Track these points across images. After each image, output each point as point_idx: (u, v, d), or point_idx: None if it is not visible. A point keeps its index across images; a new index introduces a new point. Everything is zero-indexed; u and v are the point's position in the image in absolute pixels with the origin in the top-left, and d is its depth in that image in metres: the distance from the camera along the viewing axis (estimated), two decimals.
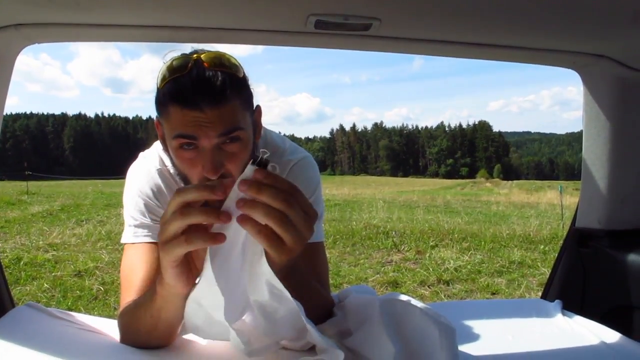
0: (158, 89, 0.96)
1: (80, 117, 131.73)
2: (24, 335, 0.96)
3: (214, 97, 0.91)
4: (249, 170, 0.66)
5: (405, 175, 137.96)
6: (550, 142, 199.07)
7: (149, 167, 1.16)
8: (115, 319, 1.05)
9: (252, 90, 1.06)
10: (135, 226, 1.11)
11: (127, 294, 1.03)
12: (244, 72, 1.01)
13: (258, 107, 1.09)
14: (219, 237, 0.68)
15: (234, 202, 0.67)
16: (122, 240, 1.13)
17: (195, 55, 0.95)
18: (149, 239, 1.10)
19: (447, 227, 7.33)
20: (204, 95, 0.91)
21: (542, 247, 6.17)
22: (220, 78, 0.93)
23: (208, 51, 0.97)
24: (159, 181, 1.14)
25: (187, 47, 0.99)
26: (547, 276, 1.52)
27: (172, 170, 1.12)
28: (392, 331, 0.83)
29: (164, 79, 0.95)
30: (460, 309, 1.28)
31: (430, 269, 5.01)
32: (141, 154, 1.21)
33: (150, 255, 1.08)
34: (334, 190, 20.07)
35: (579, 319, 1.22)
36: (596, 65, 1.18)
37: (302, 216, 0.68)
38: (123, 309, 0.98)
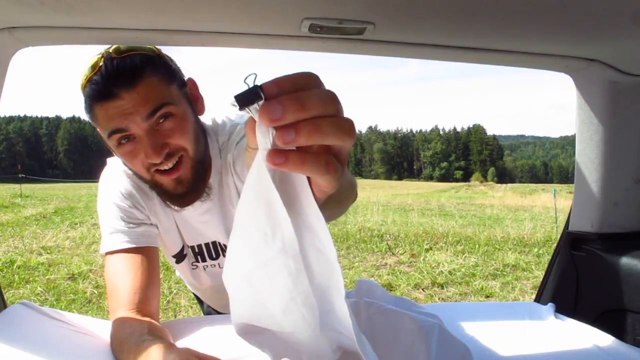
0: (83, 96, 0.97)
1: (74, 120, 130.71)
2: (17, 335, 0.95)
3: (127, 79, 0.92)
4: (251, 112, 0.41)
5: (400, 178, 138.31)
6: (544, 146, 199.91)
7: (115, 171, 1.15)
8: (109, 320, 1.05)
9: (176, 65, 1.06)
10: (112, 233, 1.10)
11: (117, 303, 1.02)
12: (159, 52, 1.01)
13: (190, 79, 1.09)
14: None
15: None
16: (102, 251, 1.11)
17: (104, 51, 0.95)
18: (127, 245, 1.08)
19: (442, 230, 7.35)
20: (117, 81, 0.92)
21: (536, 250, 6.20)
22: (129, 61, 0.93)
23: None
24: (127, 182, 1.13)
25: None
26: (541, 279, 1.53)
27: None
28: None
29: (82, 84, 0.96)
30: (453, 311, 1.28)
31: (425, 272, 5.02)
32: (108, 160, 1.20)
33: (132, 260, 1.06)
34: None
35: (571, 322, 1.23)
36: (589, 69, 1.18)
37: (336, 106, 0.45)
38: (115, 332, 0.96)
